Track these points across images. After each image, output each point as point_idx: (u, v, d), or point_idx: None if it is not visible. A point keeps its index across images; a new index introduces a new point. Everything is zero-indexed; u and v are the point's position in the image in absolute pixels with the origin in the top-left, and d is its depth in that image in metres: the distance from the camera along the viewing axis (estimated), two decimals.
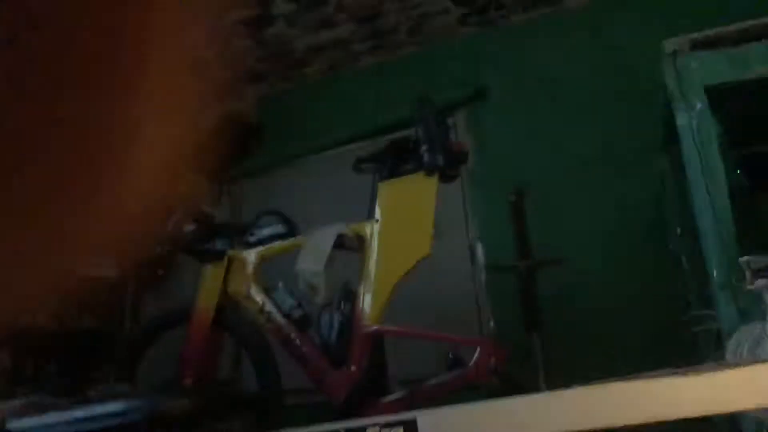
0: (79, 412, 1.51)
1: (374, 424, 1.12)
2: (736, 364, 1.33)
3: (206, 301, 2.20)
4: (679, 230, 2.30)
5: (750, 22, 1.82)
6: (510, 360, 1.88)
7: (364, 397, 1.91)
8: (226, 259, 2.21)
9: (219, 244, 2.24)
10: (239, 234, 2.27)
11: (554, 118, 2.75)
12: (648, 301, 2.34)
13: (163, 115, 0.35)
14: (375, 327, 1.95)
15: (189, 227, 2.24)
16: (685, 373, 1.29)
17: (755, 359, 1.35)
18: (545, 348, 2.18)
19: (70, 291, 0.36)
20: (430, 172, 1.98)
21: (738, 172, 1.99)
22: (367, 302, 1.97)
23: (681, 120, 1.70)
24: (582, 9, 2.99)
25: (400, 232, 2.01)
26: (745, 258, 1.31)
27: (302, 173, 2.98)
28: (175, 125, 0.35)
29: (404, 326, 2.06)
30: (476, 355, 1.85)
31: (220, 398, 2.12)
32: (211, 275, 2.22)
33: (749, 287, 1.30)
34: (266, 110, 3.14)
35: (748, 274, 1.29)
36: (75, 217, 0.34)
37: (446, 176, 2.02)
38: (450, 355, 1.90)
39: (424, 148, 1.98)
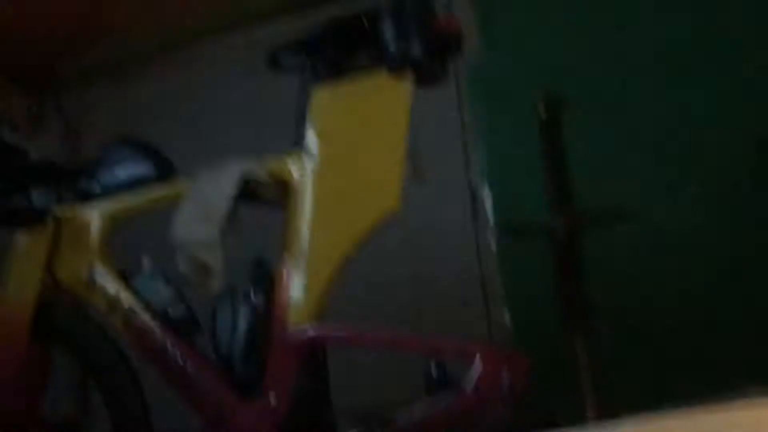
0: None
1: None
2: None
3: (20, 292, 1.71)
4: None
5: None
6: (536, 377, 1.43)
7: None
8: (51, 222, 1.72)
9: (37, 198, 1.75)
10: (73, 179, 1.77)
11: None
12: (754, 278, 1.84)
13: None
14: (309, 329, 1.52)
15: None
16: None
17: None
18: (596, 357, 1.69)
19: None
20: (398, 69, 1.50)
21: None
22: (296, 289, 1.54)
23: None
24: None
25: (349, 171, 1.57)
26: None
27: (180, 73, 2.25)
28: None
29: (357, 326, 1.58)
30: (477, 368, 1.42)
31: None
32: (27, 250, 1.73)
33: None
34: None
35: None
36: None
37: (427, 75, 1.54)
38: (432, 369, 1.48)
39: (388, 27, 1.51)
